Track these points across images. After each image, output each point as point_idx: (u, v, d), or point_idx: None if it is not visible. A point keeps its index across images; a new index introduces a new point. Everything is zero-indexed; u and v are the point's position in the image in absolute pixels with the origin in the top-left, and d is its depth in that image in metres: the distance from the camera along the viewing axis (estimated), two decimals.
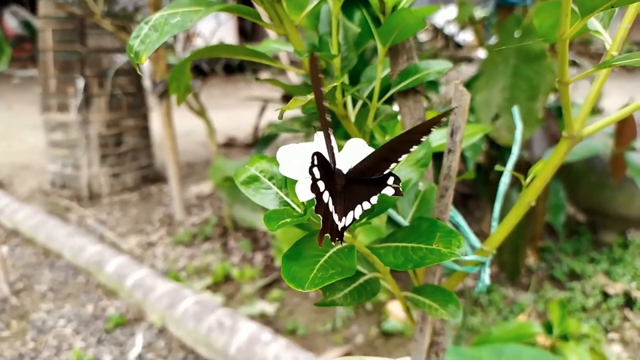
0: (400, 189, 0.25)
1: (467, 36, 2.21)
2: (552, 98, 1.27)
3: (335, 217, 0.24)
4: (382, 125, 0.39)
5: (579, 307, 1.18)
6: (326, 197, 0.24)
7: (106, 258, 1.37)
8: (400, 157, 0.25)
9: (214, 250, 1.51)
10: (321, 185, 0.24)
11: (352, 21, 0.36)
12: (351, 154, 0.26)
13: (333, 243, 0.24)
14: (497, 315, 1.16)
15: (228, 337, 1.02)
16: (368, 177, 0.25)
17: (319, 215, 0.23)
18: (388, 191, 0.25)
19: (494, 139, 1.07)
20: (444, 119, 0.25)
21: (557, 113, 1.26)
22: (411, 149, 0.25)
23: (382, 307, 1.19)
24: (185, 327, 1.10)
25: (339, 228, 0.24)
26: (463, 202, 1.68)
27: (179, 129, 1.66)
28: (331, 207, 0.24)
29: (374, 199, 0.24)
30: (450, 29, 1.88)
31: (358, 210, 0.24)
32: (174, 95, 0.39)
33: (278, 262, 1.39)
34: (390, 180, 0.25)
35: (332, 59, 0.32)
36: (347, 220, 0.24)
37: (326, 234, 0.23)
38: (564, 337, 0.91)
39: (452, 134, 0.31)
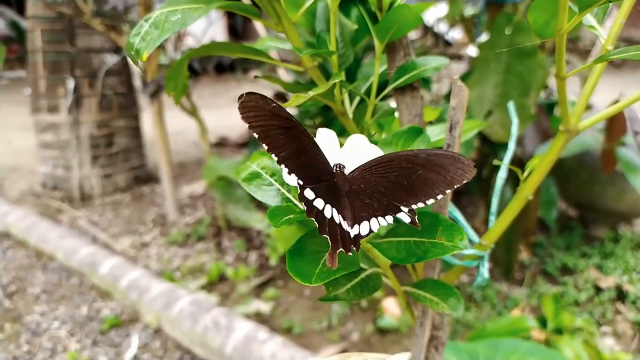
0: (416, 219, 0.24)
1: (456, 34, 2.22)
2: (542, 95, 1.28)
3: (345, 224, 0.23)
4: (379, 122, 0.40)
5: (571, 301, 1.19)
6: (328, 211, 0.23)
7: (100, 259, 1.36)
8: (424, 199, 0.24)
9: (208, 250, 1.50)
10: (319, 203, 0.23)
11: (348, 18, 0.37)
12: (353, 151, 0.26)
13: (350, 254, 0.23)
14: (491, 310, 1.17)
15: (224, 337, 1.02)
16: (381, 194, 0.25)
17: (325, 235, 0.23)
18: (404, 217, 0.24)
19: (487, 135, 1.08)
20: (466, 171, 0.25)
21: (547, 109, 1.27)
22: (438, 195, 0.24)
23: (377, 304, 1.19)
24: (180, 327, 1.09)
25: (352, 235, 0.23)
26: (456, 198, 1.68)
27: (170, 129, 1.65)
28: (337, 219, 0.23)
29: (390, 218, 0.24)
30: (440, 27, 1.89)
31: (375, 224, 0.24)
32: (170, 95, 0.39)
33: (273, 261, 1.39)
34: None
35: (331, 56, 0.32)
36: (363, 229, 0.24)
37: (339, 250, 0.23)
38: (558, 331, 0.92)
39: (450, 129, 0.32)
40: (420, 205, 0.24)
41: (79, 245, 1.45)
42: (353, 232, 0.23)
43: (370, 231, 0.24)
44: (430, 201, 0.24)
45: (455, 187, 0.24)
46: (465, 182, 0.24)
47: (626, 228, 1.53)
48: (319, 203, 0.23)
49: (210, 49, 0.36)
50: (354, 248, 0.23)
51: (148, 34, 0.25)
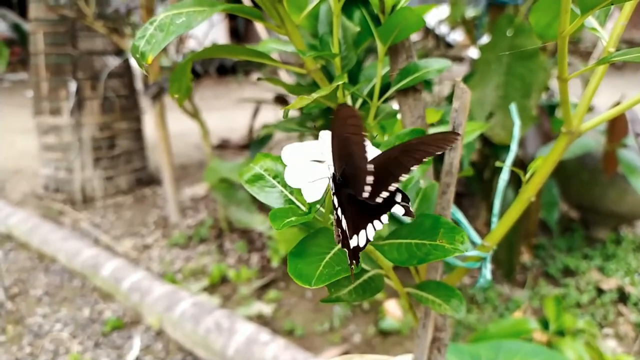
0: (411, 208, 0.24)
1: (457, 36, 2.22)
2: (543, 96, 1.28)
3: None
4: (382, 124, 0.40)
5: (573, 303, 1.19)
6: (344, 222, 0.23)
7: (101, 261, 1.36)
8: (401, 174, 0.23)
9: (209, 252, 1.51)
10: (339, 212, 0.23)
11: (351, 20, 0.37)
12: None
13: (352, 267, 0.23)
14: (493, 312, 1.17)
15: (226, 339, 1.02)
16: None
17: (345, 249, 0.23)
18: (398, 210, 0.24)
19: (489, 137, 1.08)
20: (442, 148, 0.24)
21: (549, 111, 1.27)
22: (412, 168, 0.23)
23: (379, 306, 1.19)
24: (182, 329, 1.09)
25: (352, 248, 0.23)
26: (458, 200, 1.68)
27: (172, 131, 1.66)
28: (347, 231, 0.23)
29: (385, 218, 0.23)
30: (441, 29, 1.89)
31: (370, 231, 0.23)
32: (174, 97, 0.39)
33: (274, 263, 1.40)
34: (399, 198, 0.24)
35: (334, 58, 0.32)
36: (361, 240, 0.23)
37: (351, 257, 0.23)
38: (560, 333, 0.92)
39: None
40: (414, 168, 0.24)
41: (81, 248, 1.45)
42: (352, 243, 0.23)
43: (367, 240, 0.23)
44: (415, 167, 0.23)
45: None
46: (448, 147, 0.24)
47: (628, 230, 1.53)
48: (339, 212, 0.23)
49: (213, 51, 0.36)
50: (354, 262, 0.23)
51: (153, 37, 0.25)
